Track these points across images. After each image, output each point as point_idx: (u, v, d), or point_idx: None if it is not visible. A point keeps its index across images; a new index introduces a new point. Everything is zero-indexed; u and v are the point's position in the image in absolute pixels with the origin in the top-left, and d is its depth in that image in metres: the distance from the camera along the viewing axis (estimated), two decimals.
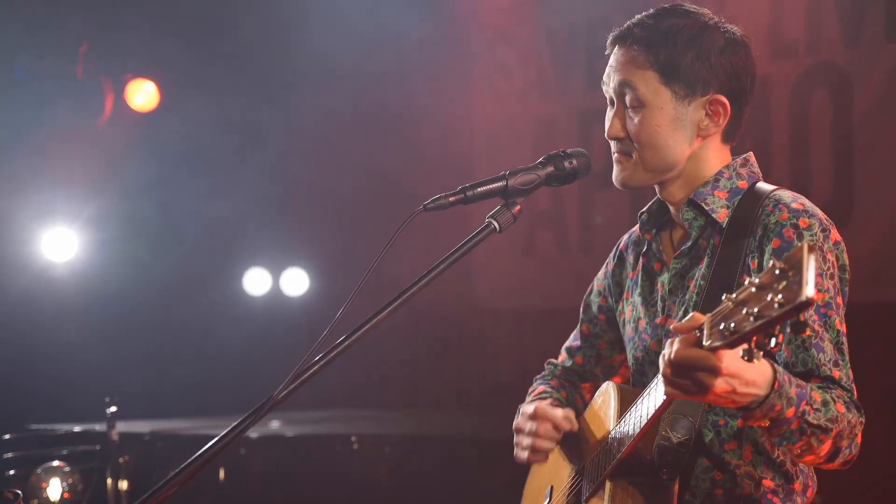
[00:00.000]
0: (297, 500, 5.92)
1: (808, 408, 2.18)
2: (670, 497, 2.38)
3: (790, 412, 2.14)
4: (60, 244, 7.73)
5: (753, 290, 1.79)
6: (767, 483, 2.46)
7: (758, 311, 1.76)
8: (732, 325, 1.83)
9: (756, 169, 2.61)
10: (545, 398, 2.90)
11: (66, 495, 5.31)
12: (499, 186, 2.38)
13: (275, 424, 6.70)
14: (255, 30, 7.75)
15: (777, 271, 1.74)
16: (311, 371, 2.21)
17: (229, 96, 7.88)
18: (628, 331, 2.76)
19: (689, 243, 2.56)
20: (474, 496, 5.53)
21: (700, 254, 2.54)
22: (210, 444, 2.15)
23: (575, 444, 2.80)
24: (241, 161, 8.07)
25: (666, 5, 2.61)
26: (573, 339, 3.06)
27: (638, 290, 2.72)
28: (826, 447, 2.24)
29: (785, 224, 2.39)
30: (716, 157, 2.59)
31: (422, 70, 7.61)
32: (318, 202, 8.33)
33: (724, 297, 1.87)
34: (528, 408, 2.77)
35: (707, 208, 2.52)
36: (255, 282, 8.51)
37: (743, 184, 2.55)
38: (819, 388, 2.27)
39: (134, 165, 7.73)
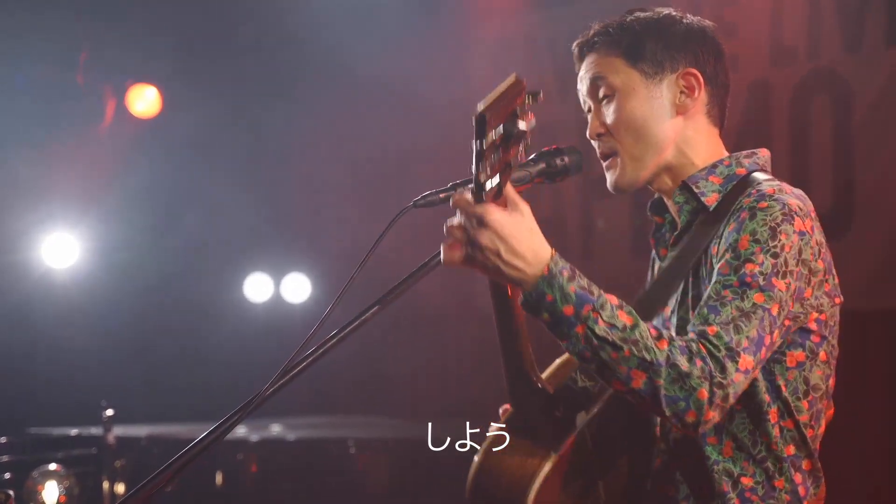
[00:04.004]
0: None
1: (595, 315, 2.09)
2: (559, 440, 2.33)
3: (568, 310, 2.08)
4: (61, 250, 7.73)
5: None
6: (746, 480, 2.39)
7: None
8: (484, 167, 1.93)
9: (762, 161, 2.53)
10: None
11: (62, 499, 5.30)
12: None
13: (274, 428, 6.69)
14: (257, 35, 7.77)
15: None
16: (299, 368, 2.20)
17: (231, 102, 7.89)
18: None
19: (680, 230, 2.50)
20: None
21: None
22: (199, 438, 2.14)
23: None
24: (242, 166, 8.08)
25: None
26: None
27: (650, 275, 2.71)
28: (635, 378, 2.10)
29: (745, 207, 2.32)
30: (704, 140, 2.53)
31: (422, 78, 7.61)
32: (319, 207, 8.33)
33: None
34: None
35: (697, 191, 2.46)
36: (257, 288, 8.49)
37: (741, 171, 2.48)
38: (659, 328, 2.17)
39: (134, 172, 7.74)
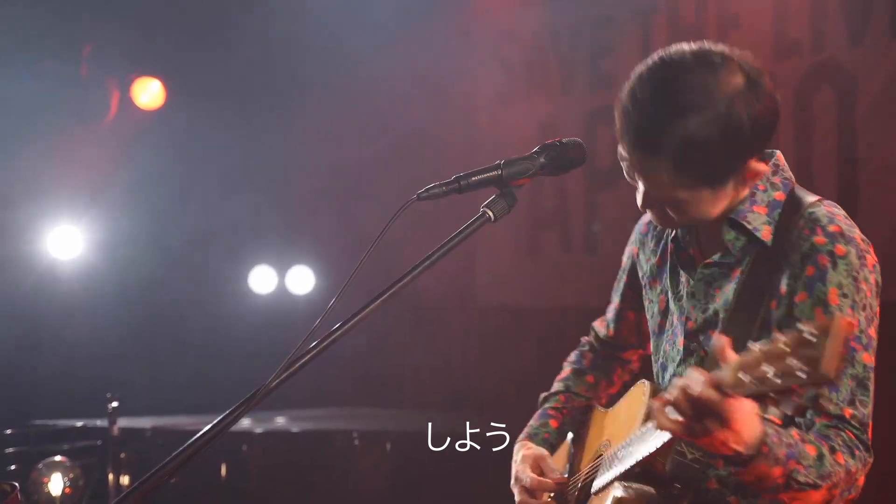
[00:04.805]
0: (298, 496, 5.93)
1: (797, 467, 2.18)
2: None
3: (777, 471, 2.16)
4: (66, 242, 7.75)
5: (781, 346, 1.81)
6: None
7: (782, 373, 1.80)
8: (756, 380, 1.86)
9: (788, 173, 2.50)
10: (536, 436, 2.91)
11: (67, 490, 5.33)
12: (493, 176, 2.35)
13: (278, 420, 6.71)
14: (261, 27, 7.76)
15: (808, 335, 1.76)
16: (304, 360, 2.19)
17: (235, 94, 7.89)
18: (658, 321, 2.70)
19: (727, 258, 2.47)
20: (474, 494, 5.52)
21: (733, 266, 2.46)
22: (204, 430, 2.14)
23: (605, 430, 2.78)
24: (246, 159, 8.09)
25: (662, 62, 2.34)
26: (609, 310, 2.99)
27: (667, 280, 2.65)
28: (819, 497, 2.25)
29: (821, 250, 2.32)
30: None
31: (427, 70, 7.62)
32: (323, 200, 8.34)
33: (750, 345, 1.88)
34: (516, 467, 2.82)
35: (750, 227, 2.41)
36: (261, 280, 8.51)
37: (779, 195, 2.45)
38: (820, 436, 2.25)
39: (139, 164, 7.75)
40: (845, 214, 2.42)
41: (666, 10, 6.59)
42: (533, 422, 2.96)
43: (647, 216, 2.71)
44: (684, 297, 2.56)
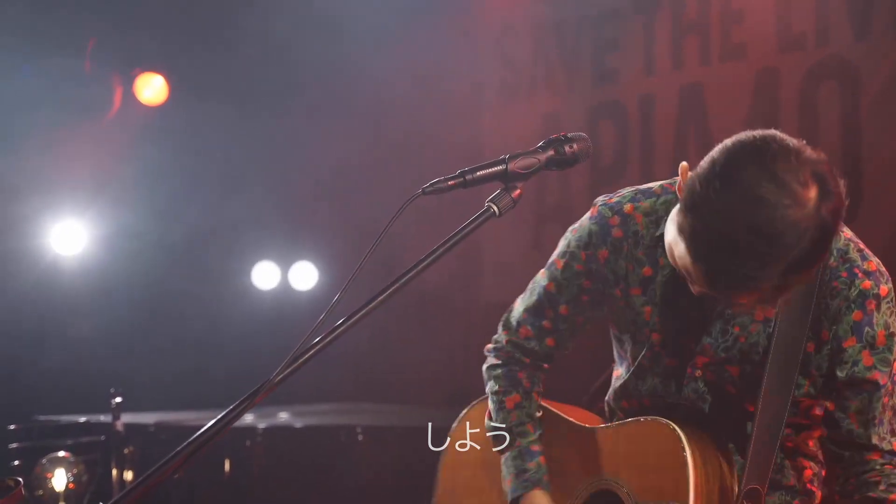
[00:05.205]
0: (302, 491, 5.93)
1: None
2: None
3: None
4: (69, 238, 7.75)
5: None
6: (808, 473, 2.61)
7: None
8: None
9: None
10: (541, 482, 2.82)
11: (70, 486, 5.33)
12: (498, 170, 2.33)
13: (282, 416, 6.71)
14: (264, 23, 7.76)
15: None
16: (308, 355, 2.19)
17: (238, 90, 7.89)
18: (632, 330, 2.67)
19: None
20: None
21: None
22: (207, 425, 2.14)
23: (602, 459, 2.70)
24: (249, 154, 8.09)
25: (737, 193, 2.13)
26: (540, 317, 2.93)
27: (657, 295, 2.60)
28: None
29: (868, 295, 2.37)
30: None
31: (429, 65, 7.61)
32: (326, 195, 8.33)
33: None
34: None
35: None
36: (264, 275, 8.52)
37: None
38: (889, 484, 2.34)
39: (142, 159, 7.75)
40: (855, 235, 2.45)
41: (670, 4, 6.58)
42: (524, 464, 2.86)
43: (612, 217, 2.68)
44: (700, 327, 2.53)
